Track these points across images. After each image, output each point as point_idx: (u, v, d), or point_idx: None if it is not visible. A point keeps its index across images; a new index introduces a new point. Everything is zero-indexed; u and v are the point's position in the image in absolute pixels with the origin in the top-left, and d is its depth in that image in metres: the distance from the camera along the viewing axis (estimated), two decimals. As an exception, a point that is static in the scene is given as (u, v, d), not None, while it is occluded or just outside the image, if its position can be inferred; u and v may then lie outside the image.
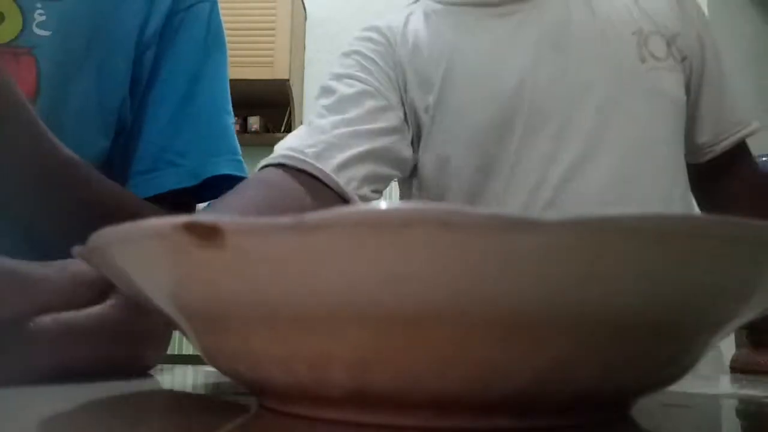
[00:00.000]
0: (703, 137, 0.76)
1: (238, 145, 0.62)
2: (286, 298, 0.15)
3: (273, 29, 2.43)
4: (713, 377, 0.40)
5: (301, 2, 2.61)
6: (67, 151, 0.45)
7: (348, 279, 0.14)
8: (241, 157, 0.61)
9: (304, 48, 2.69)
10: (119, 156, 0.57)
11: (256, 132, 2.51)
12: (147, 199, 0.55)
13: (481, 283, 0.14)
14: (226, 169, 0.58)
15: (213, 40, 0.62)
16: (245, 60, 2.30)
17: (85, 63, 0.54)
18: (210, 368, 0.32)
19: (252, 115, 2.53)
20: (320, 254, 0.14)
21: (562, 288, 0.14)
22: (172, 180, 0.56)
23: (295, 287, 0.15)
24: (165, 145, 0.57)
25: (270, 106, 2.54)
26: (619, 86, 0.70)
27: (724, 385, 0.37)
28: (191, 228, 0.14)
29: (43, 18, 0.52)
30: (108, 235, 0.17)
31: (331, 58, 2.56)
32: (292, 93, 2.50)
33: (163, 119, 0.58)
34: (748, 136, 0.77)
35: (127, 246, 0.17)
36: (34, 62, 0.51)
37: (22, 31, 0.51)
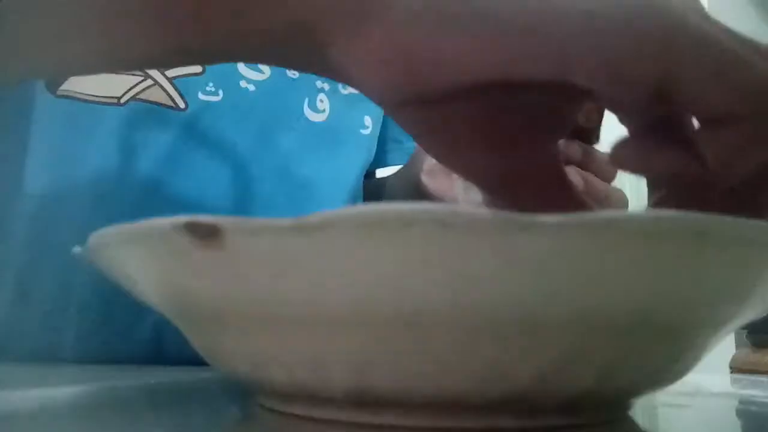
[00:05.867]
0: None
1: None
2: (286, 298, 0.15)
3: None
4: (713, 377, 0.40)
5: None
6: None
7: (348, 279, 0.14)
8: None
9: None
10: None
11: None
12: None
13: (481, 283, 0.14)
14: None
15: None
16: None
17: None
18: (210, 368, 0.32)
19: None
20: (320, 254, 0.14)
21: (562, 288, 0.14)
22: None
23: (295, 287, 0.15)
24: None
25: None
26: None
27: (724, 385, 0.37)
28: (191, 228, 0.14)
29: None
30: (108, 235, 0.17)
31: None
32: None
33: None
34: None
35: (128, 246, 0.17)
36: None
37: None
